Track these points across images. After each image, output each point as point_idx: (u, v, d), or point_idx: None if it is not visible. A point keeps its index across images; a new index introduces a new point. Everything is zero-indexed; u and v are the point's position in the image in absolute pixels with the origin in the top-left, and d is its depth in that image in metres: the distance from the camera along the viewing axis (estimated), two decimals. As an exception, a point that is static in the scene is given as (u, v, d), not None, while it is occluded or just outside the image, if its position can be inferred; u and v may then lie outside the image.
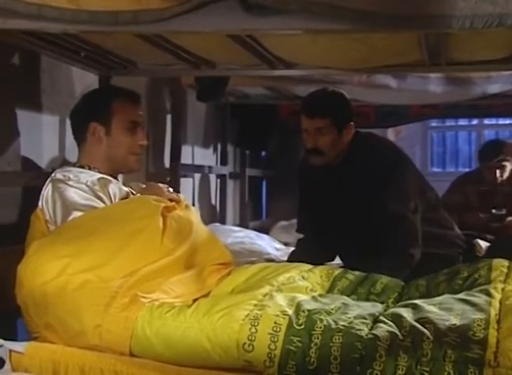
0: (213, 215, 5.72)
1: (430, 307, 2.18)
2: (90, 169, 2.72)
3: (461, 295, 2.29)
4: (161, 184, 2.80)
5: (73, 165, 2.76)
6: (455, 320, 2.05)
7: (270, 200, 7.30)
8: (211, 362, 2.09)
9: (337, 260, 3.62)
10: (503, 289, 2.29)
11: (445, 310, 2.14)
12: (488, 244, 4.25)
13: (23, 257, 2.34)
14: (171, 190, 2.81)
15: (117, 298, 2.21)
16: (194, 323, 2.12)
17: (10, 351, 2.22)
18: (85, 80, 3.32)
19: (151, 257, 2.41)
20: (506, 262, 2.53)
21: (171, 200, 2.71)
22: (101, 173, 2.72)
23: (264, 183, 7.34)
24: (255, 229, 5.91)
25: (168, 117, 4.44)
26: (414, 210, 3.23)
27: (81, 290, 2.23)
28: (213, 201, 5.83)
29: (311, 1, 1.95)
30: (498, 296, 2.22)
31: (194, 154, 5.37)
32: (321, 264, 3.31)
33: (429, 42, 2.57)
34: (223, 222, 5.57)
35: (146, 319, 2.17)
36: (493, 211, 4.91)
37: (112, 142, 2.73)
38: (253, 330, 2.06)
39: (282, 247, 4.81)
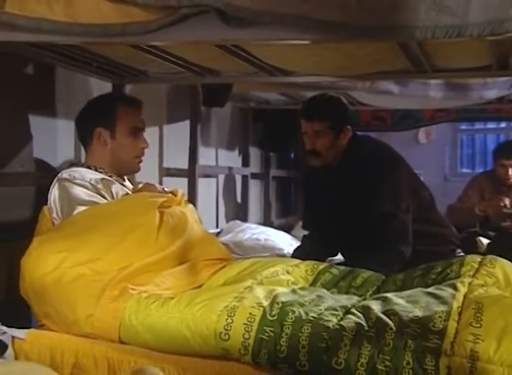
0: (237, 213, 5.77)
1: (398, 300, 2.19)
2: (96, 169, 2.77)
3: (430, 289, 2.30)
4: (157, 185, 2.84)
5: (81, 165, 2.81)
6: (419, 312, 2.06)
7: (297, 199, 7.31)
8: (191, 349, 2.14)
9: (340, 256, 3.64)
10: (470, 283, 2.29)
11: (411, 303, 2.15)
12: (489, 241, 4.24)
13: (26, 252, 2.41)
14: (166, 189, 2.85)
15: (108, 290, 2.27)
16: (176, 314, 2.17)
17: (13, 337, 2.31)
18: (102, 87, 3.38)
19: (146, 252, 2.46)
20: (478, 258, 2.53)
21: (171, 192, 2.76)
22: (106, 173, 2.78)
23: (292, 183, 7.38)
24: (281, 226, 5.96)
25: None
26: (406, 209, 3.22)
27: (76, 282, 2.29)
28: (238, 200, 5.88)
29: (283, 13, 1.99)
30: (463, 290, 2.22)
31: (218, 156, 5.42)
32: (324, 259, 3.35)
33: (407, 51, 2.57)
34: (245, 219, 5.61)
35: (133, 310, 2.22)
36: (504, 210, 4.85)
37: (117, 146, 2.78)
38: (229, 320, 2.10)
39: (298, 243, 4.82)
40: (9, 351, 2.30)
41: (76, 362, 2.23)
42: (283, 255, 4.15)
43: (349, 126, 3.34)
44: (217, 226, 5.24)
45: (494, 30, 1.87)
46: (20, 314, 2.51)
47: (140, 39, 2.19)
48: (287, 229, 5.69)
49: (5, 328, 2.32)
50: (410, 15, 1.90)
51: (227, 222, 5.44)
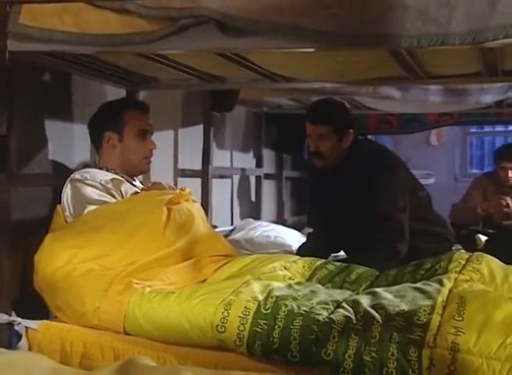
0: (251, 211, 5.78)
1: (386, 294, 2.20)
2: (108, 170, 2.81)
3: (418, 284, 2.30)
4: (163, 183, 2.86)
5: (93, 167, 2.86)
6: (405, 306, 2.08)
7: (309, 198, 7.31)
8: (190, 340, 2.18)
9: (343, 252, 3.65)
10: (456, 278, 2.30)
11: (399, 297, 2.17)
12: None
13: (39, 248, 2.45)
14: (173, 187, 2.89)
15: (114, 285, 2.31)
16: (176, 307, 2.20)
17: (26, 328, 2.36)
18: (117, 93, 3.40)
19: (152, 249, 2.49)
20: (466, 255, 2.53)
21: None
22: (117, 174, 2.81)
23: (305, 183, 7.38)
24: (294, 224, 5.98)
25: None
26: (403, 209, 3.22)
27: (84, 277, 2.34)
28: (253, 200, 5.90)
29: (278, 23, 2.02)
30: (449, 285, 2.23)
31: (233, 158, 5.44)
32: (327, 256, 3.38)
33: (400, 58, 2.57)
34: (258, 217, 5.63)
35: (136, 303, 2.26)
36: (505, 209, 4.83)
37: (125, 148, 2.82)
38: (225, 313, 2.13)
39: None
40: (23, 341, 2.36)
41: (85, 351, 2.28)
42: (291, 252, 4.16)
43: (351, 130, 3.35)
44: (231, 224, 5.27)
45: (475, 39, 1.89)
46: (38, 307, 2.54)
47: (144, 48, 2.25)
48: (300, 227, 5.70)
49: (19, 319, 2.38)
50: (396, 24, 1.93)
51: (241, 220, 5.45)
